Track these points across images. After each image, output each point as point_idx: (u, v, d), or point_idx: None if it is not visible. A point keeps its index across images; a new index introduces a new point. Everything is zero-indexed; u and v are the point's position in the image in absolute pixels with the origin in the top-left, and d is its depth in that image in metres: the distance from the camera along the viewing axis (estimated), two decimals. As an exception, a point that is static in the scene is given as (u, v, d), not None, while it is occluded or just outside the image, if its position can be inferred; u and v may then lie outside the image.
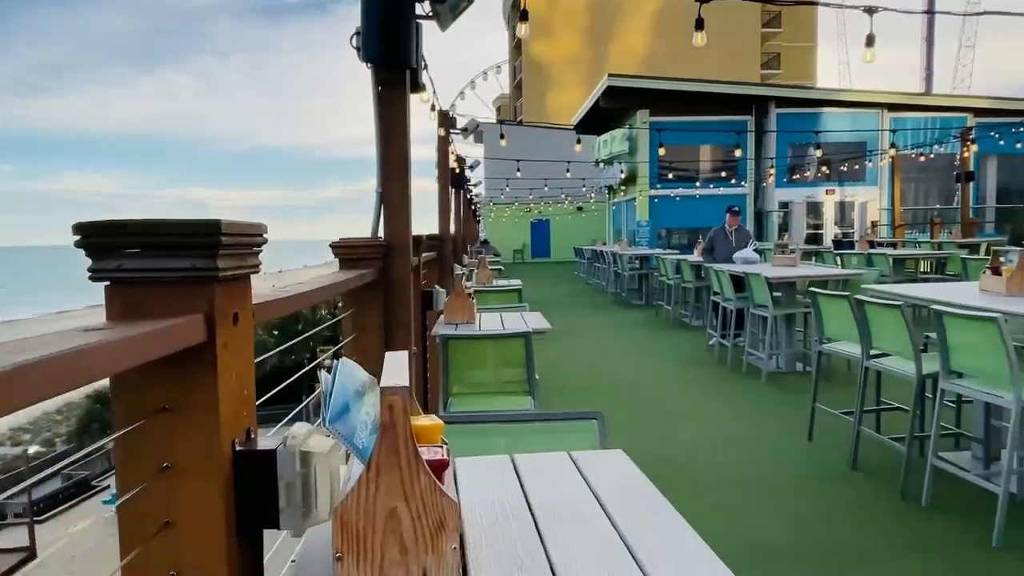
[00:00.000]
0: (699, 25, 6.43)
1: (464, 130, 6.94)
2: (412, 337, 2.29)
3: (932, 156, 20.05)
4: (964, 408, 4.23)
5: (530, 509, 1.12)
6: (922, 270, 10.43)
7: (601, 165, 25.74)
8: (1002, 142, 17.36)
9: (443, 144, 5.49)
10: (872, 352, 3.88)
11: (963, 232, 13.98)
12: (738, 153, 17.53)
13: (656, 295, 11.82)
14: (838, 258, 9.80)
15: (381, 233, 2.24)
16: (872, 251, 9.63)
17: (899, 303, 3.49)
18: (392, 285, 2.17)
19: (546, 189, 24.84)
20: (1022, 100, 19.18)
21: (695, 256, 9.45)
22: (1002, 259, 3.79)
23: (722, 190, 20.27)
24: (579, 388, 6.33)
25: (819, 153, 16.64)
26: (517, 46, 46.38)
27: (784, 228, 20.70)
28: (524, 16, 6.42)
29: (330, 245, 2.14)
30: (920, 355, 3.48)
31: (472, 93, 48.23)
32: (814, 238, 19.84)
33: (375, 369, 1.05)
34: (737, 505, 3.50)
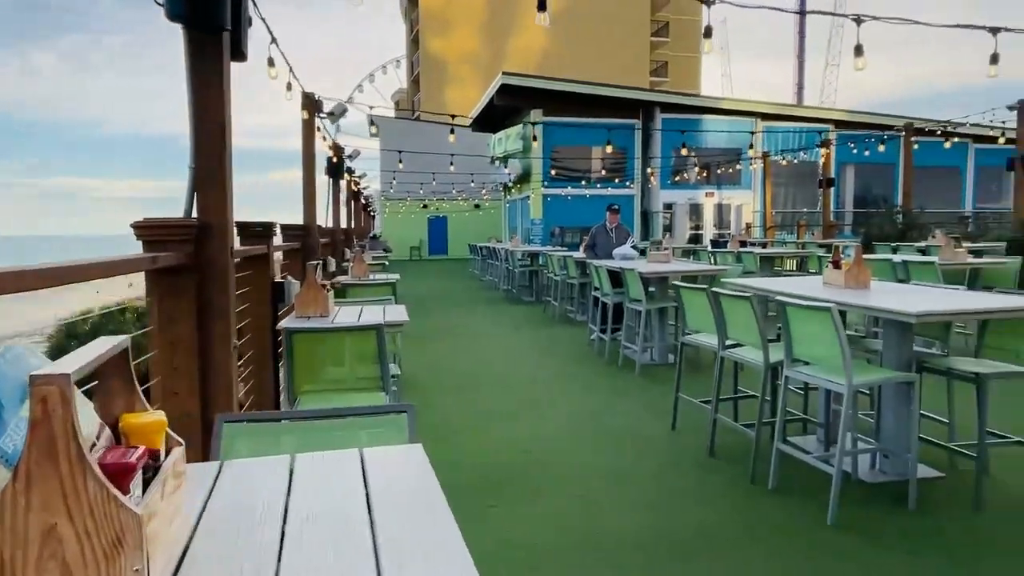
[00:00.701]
0: (707, 33, 6.31)
1: (331, 114, 6.58)
2: (232, 328, 2.07)
3: (798, 163, 21.61)
4: (811, 394, 4.50)
5: (285, 515, 0.98)
6: (787, 268, 11.16)
7: (496, 163, 25.84)
8: (856, 151, 18.97)
9: (308, 128, 5.19)
10: (728, 342, 4.01)
11: (824, 234, 15.12)
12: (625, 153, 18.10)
13: (545, 291, 11.94)
14: (713, 256, 10.30)
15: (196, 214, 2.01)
16: (742, 250, 10.18)
17: (748, 294, 3.62)
18: (206, 270, 1.95)
19: (434, 183, 24.58)
20: (877, 114, 21.06)
21: (580, 253, 9.61)
22: (842, 254, 4.03)
23: (611, 190, 20.88)
24: (452, 384, 6.22)
25: (694, 158, 17.48)
26: (415, 40, 45.76)
27: (668, 228, 21.64)
28: (542, 5, 5.93)
29: (131, 225, 1.89)
30: (768, 344, 3.62)
31: (371, 87, 47.11)
32: (696, 238, 20.87)
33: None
34: (595, 496, 3.51)
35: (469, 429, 4.78)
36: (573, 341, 8.31)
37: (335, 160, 6.75)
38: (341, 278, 5.84)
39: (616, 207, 8.26)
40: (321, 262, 3.24)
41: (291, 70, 4.79)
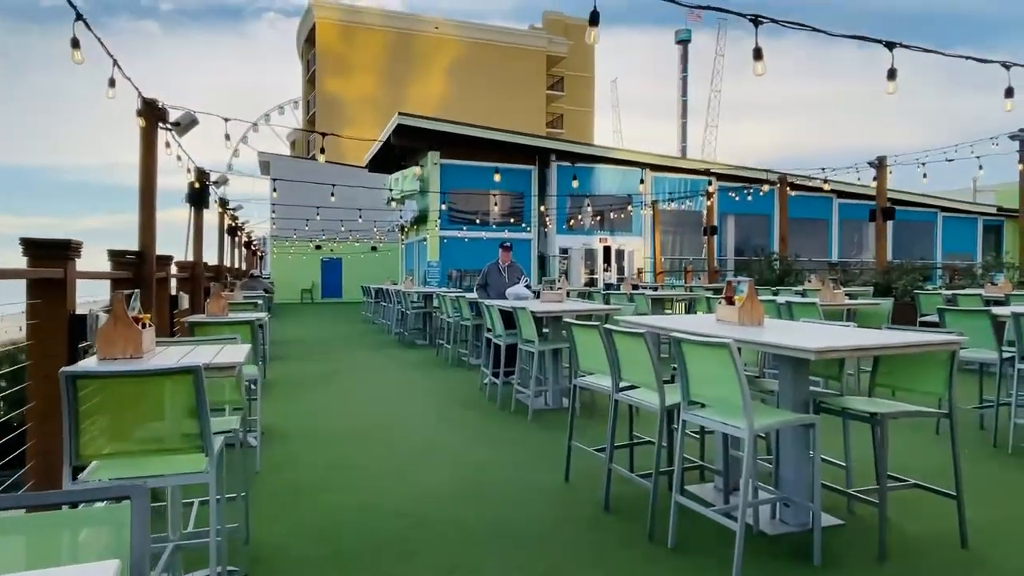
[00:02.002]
0: (757, 55, 5.66)
1: (177, 124, 5.77)
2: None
3: (684, 212, 22.62)
4: (708, 438, 4.27)
5: None
6: (676, 310, 11.31)
7: (393, 204, 25.31)
8: (738, 198, 20.07)
9: (146, 140, 4.50)
10: (622, 384, 3.71)
11: (709, 279, 15.66)
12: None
13: (439, 334, 11.44)
14: (606, 298, 10.24)
15: None
16: (634, 292, 10.19)
17: (642, 331, 3.34)
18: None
19: (326, 224, 23.73)
20: (754, 168, 22.48)
21: (473, 294, 9.24)
22: (734, 289, 3.87)
23: (508, 233, 20.86)
24: (326, 437, 5.57)
25: (588, 202, 17.82)
26: (311, 80, 44.86)
27: (565, 273, 21.83)
28: (595, 20, 5.52)
29: None
30: (663, 386, 3.34)
31: (267, 127, 45.52)
32: (592, 282, 21.15)
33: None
34: (478, 563, 3.03)
35: (336, 488, 4.18)
36: (465, 386, 7.85)
37: (198, 186, 6.04)
38: (195, 316, 5.12)
39: (508, 244, 8.00)
40: (133, 293, 2.56)
41: (115, 63, 4.09)
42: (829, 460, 3.64)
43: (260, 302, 8.09)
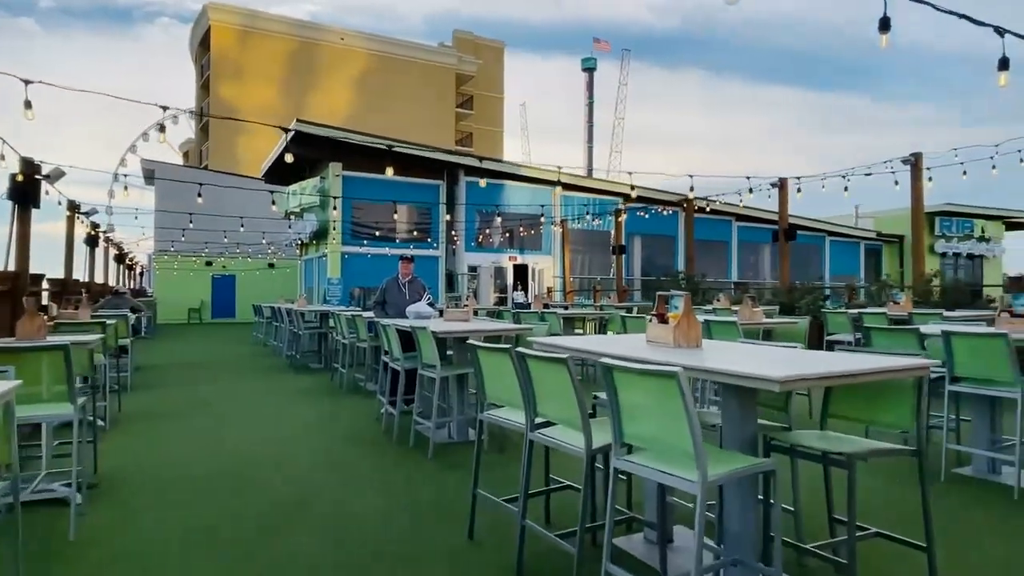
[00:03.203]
0: (884, 25, 5.47)
1: (47, 177, 4.91)
2: None
3: (592, 232, 22.62)
4: (635, 478, 3.68)
5: None
6: (588, 330, 10.89)
7: (292, 217, 23.84)
8: (647, 217, 20.21)
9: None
10: (537, 420, 3.06)
11: (619, 298, 15.47)
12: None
13: (335, 357, 10.44)
14: (517, 317, 9.65)
15: None
16: (546, 310, 9.67)
17: (563, 356, 2.71)
18: None
19: (224, 240, 21.98)
20: (661, 191, 22.83)
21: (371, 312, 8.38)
22: (667, 305, 3.32)
23: (415, 250, 20.00)
24: (180, 486, 4.57)
25: (498, 220, 17.32)
26: (205, 86, 42.27)
27: (475, 292, 21.17)
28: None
29: None
30: (589, 423, 2.71)
31: (159, 136, 42.39)
32: (502, 301, 20.61)
33: None
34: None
35: (171, 569, 3.25)
36: (360, 416, 6.97)
37: (21, 179, 4.90)
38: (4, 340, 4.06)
39: (410, 257, 7.24)
40: None
41: None
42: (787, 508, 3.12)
43: (112, 322, 6.88)
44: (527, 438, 3.08)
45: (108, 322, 6.44)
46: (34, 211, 6.18)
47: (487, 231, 21.18)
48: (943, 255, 27.91)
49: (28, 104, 6.03)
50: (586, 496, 2.72)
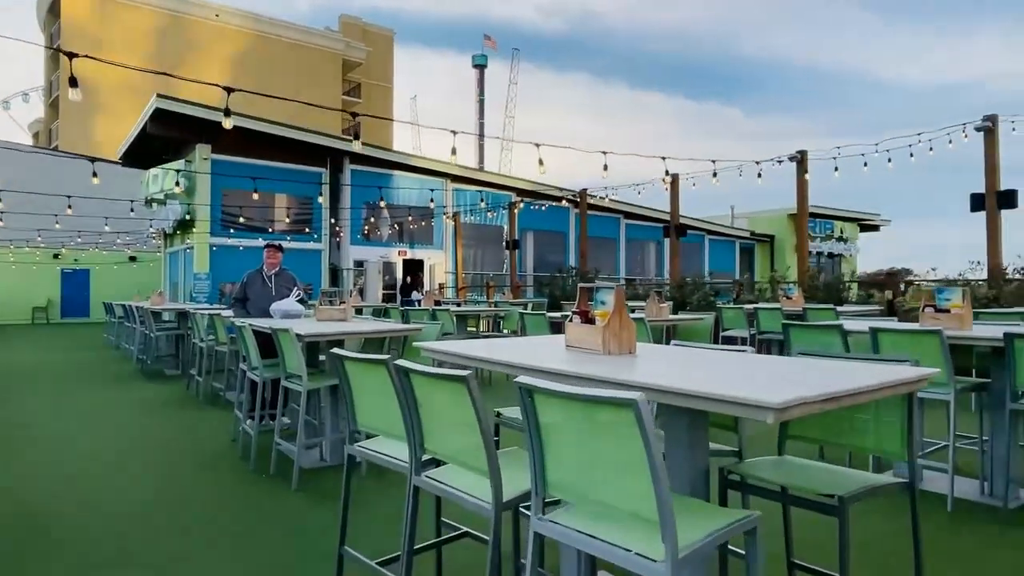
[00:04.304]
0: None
1: None
2: None
3: (484, 226, 22.01)
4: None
5: None
6: (482, 328, 10.19)
7: (154, 206, 21.41)
8: (541, 210, 19.83)
9: None
10: (425, 457, 2.26)
11: (514, 294, 14.89)
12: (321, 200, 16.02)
13: (193, 362, 9.07)
14: (404, 315, 8.77)
15: None
16: (437, 308, 8.85)
17: (463, 374, 1.93)
18: None
19: (57, 226, 19.28)
20: (554, 187, 22.57)
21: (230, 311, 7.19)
22: (590, 300, 2.63)
23: (295, 243, 18.46)
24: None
25: (386, 212, 16.27)
26: (55, 57, 37.64)
27: (362, 290, 19.92)
28: (73, 82, 5.24)
29: None
30: (498, 465, 1.95)
31: (6, 115, 37.21)
32: (390, 298, 19.50)
33: None
34: None
35: None
36: (214, 434, 5.85)
37: None
38: None
39: (277, 245, 6.19)
40: None
41: None
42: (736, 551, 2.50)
43: None
44: (411, 482, 2.28)
45: None
46: None
47: (375, 223, 19.97)
48: (809, 253, 29.80)
49: None
50: (495, 562, 1.96)
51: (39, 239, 23.09)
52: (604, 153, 9.45)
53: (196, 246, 18.34)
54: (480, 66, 71.23)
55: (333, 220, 19.03)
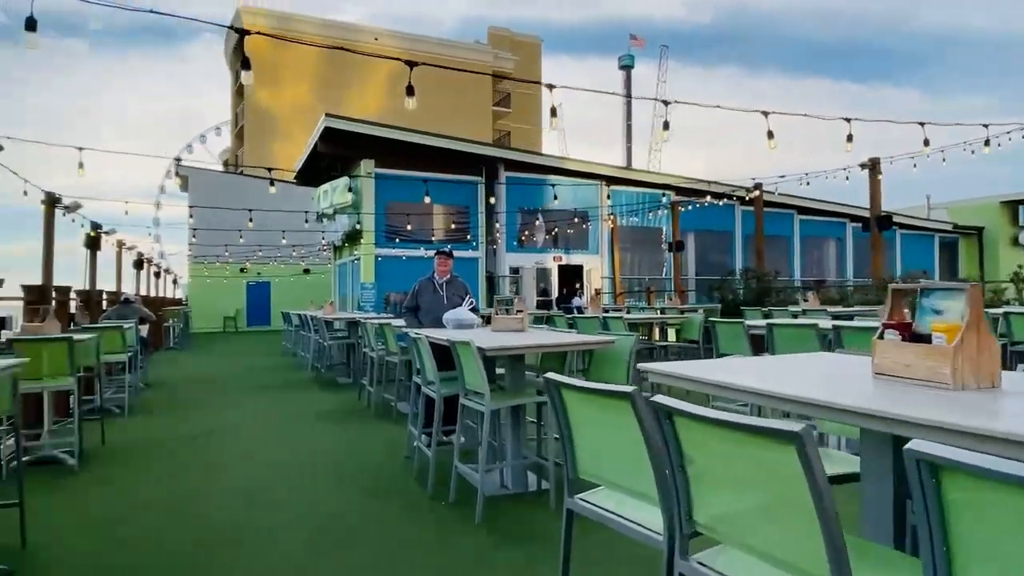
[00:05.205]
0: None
1: (67, 207, 4.05)
2: None
3: (641, 228, 21.00)
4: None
5: None
6: (657, 338, 9.35)
7: (324, 220, 22.79)
8: (702, 210, 18.49)
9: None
10: (694, 526, 1.59)
11: (680, 299, 13.82)
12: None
13: (364, 372, 9.12)
14: (573, 324, 8.18)
15: None
16: (610, 315, 8.17)
17: (795, 426, 1.34)
18: None
19: (254, 246, 21.10)
20: (718, 183, 21.06)
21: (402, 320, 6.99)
22: (910, 309, 1.82)
23: (453, 252, 18.66)
24: (121, 568, 3.24)
25: (541, 217, 15.88)
26: (240, 91, 41.94)
27: (517, 294, 19.76)
28: (246, 64, 5.48)
29: None
30: (843, 556, 1.23)
31: (202, 147, 42.43)
32: (543, 305, 19.14)
33: None
34: None
35: None
36: (386, 450, 5.59)
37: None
38: None
39: (448, 251, 5.86)
40: None
41: None
42: None
43: (86, 337, 5.66)
44: (673, 566, 1.61)
45: (77, 337, 5.19)
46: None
47: (530, 230, 19.72)
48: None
49: (81, 165, 7.78)
50: None
51: (227, 254, 25.47)
52: (770, 137, 8.20)
53: (362, 257, 19.14)
54: (627, 67, 69.83)
55: (489, 223, 19.06)
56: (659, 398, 1.58)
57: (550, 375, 2.06)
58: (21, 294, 6.10)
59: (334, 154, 19.38)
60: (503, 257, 19.41)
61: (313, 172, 22.54)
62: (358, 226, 18.46)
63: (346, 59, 41.28)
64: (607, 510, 1.95)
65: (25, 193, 7.29)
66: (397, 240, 18.75)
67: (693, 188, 20.78)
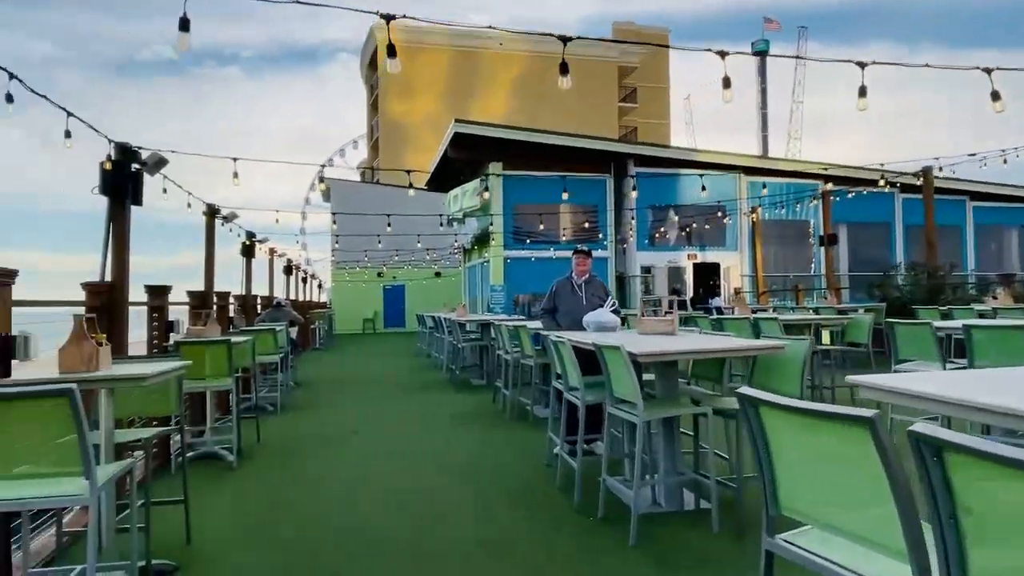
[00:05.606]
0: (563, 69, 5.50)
1: (144, 163, 4.35)
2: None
3: (785, 221, 19.49)
4: None
5: None
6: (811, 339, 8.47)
7: (454, 224, 23.32)
8: (852, 201, 16.81)
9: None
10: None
11: (835, 297, 12.59)
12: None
13: (497, 373, 9.04)
14: (717, 324, 7.58)
15: None
16: (761, 315, 7.49)
17: None
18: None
19: (388, 251, 21.96)
20: (877, 169, 19.07)
21: (538, 322, 6.78)
22: None
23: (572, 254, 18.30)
24: (288, 550, 3.22)
25: (673, 213, 15.13)
26: (375, 105, 44.19)
27: (648, 295, 19.06)
28: (392, 52, 5.55)
29: None
30: None
31: (341, 160, 45.50)
32: (680, 305, 18.28)
33: None
34: None
35: None
36: (525, 456, 5.39)
37: (107, 167, 3.92)
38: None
39: (587, 249, 5.56)
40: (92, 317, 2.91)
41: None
42: None
43: (242, 339, 5.94)
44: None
45: (236, 339, 5.44)
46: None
47: (663, 228, 18.95)
48: None
49: (236, 175, 8.38)
50: None
51: (366, 259, 26.81)
52: (995, 99, 7.01)
53: (491, 259, 19.31)
54: (761, 52, 66.01)
55: (618, 222, 18.54)
56: (923, 427, 1.19)
57: (746, 389, 1.70)
58: (186, 299, 6.55)
59: (463, 159, 19.71)
60: (634, 256, 18.80)
61: (443, 178, 23.12)
62: (491, 226, 18.65)
63: (471, 68, 42.27)
64: (828, 559, 1.56)
65: (189, 205, 7.72)
66: (528, 241, 18.72)
67: (845, 176, 18.99)
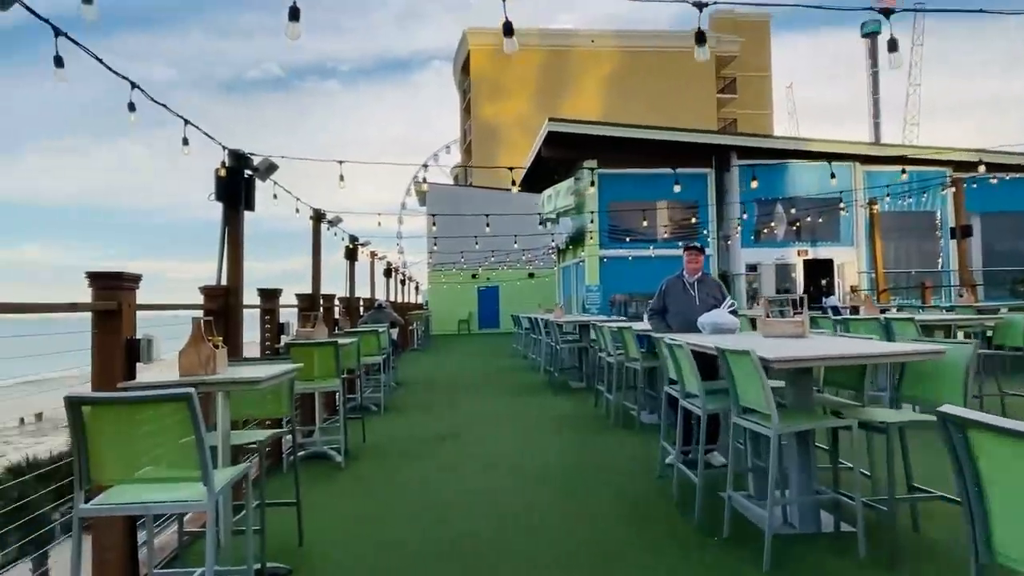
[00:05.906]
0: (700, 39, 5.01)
1: (256, 169, 4.46)
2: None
3: (906, 213, 17.94)
4: None
5: None
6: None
7: (547, 224, 23.16)
8: (992, 190, 15.17)
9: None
10: None
11: (972, 295, 11.38)
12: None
13: (599, 376, 8.77)
14: (841, 325, 6.95)
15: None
16: (894, 315, 6.81)
17: None
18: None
19: (483, 251, 22.09)
20: (1002, 152, 17.24)
21: (644, 323, 6.45)
22: None
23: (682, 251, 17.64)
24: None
25: (781, 209, 14.22)
26: (467, 108, 44.80)
27: (754, 294, 18.11)
28: (508, 30, 5.09)
29: None
30: None
31: (436, 165, 46.64)
32: (791, 304, 17.22)
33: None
34: None
35: None
36: (633, 465, 5.11)
37: (222, 174, 4.02)
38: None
39: (698, 245, 5.21)
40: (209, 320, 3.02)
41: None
42: None
43: (348, 341, 6.00)
44: None
45: (342, 341, 5.50)
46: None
47: (770, 223, 17.94)
48: None
49: (341, 177, 8.71)
50: None
51: (462, 261, 27.16)
52: None
53: (587, 259, 18.98)
54: (872, 34, 61.82)
55: (720, 217, 17.72)
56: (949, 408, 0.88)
57: (949, 408, 1.38)
58: (295, 302, 6.73)
59: (557, 158, 19.50)
60: (738, 253, 17.91)
61: (536, 178, 23.00)
62: (590, 225, 18.33)
63: (563, 67, 41.98)
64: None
65: (297, 211, 7.89)
66: (627, 240, 18.26)
67: (978, 162, 17.24)
